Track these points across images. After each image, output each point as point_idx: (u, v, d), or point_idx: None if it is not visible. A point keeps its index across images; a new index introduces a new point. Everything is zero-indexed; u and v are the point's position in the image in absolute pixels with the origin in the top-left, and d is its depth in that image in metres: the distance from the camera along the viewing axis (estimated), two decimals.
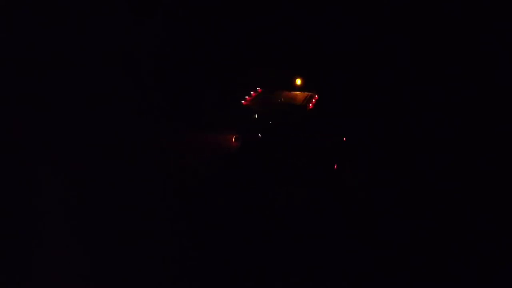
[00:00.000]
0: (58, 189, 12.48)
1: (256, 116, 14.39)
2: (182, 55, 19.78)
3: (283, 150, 13.91)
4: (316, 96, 14.87)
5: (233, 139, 14.68)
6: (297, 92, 15.28)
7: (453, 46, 17.71)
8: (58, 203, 11.91)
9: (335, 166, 13.61)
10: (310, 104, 14.39)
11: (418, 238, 11.17)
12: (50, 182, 12.80)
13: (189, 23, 20.56)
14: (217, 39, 19.79)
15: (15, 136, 14.90)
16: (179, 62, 19.55)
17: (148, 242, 10.66)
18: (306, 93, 15.14)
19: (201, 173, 13.90)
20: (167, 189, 13.03)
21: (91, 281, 9.69)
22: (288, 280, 9.77)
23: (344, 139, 14.65)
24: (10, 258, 10.20)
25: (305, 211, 12.11)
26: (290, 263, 10.21)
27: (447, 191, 13.14)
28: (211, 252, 10.59)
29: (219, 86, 17.56)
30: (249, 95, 15.04)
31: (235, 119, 14.99)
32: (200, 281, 9.70)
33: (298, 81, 15.28)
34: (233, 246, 10.78)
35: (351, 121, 15.39)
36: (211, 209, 12.31)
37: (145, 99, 17.75)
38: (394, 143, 15.00)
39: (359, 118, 15.61)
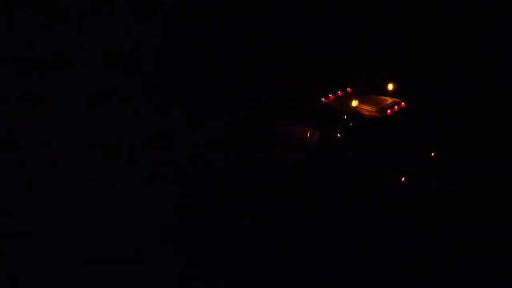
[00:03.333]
0: (59, 189, 12.48)
1: (340, 115, 14.43)
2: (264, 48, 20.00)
3: (358, 152, 13.71)
4: (403, 103, 14.36)
5: (308, 134, 14.55)
6: (385, 98, 15.12)
7: None
8: (59, 204, 11.91)
9: (403, 179, 13.06)
10: (389, 110, 13.95)
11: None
12: (50, 182, 12.80)
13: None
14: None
15: (15, 136, 14.89)
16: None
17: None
18: (394, 99, 14.93)
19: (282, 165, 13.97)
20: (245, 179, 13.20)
21: (91, 282, 9.69)
22: None
23: (433, 154, 13.88)
24: (9, 258, 10.20)
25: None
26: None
27: None
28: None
29: (307, 81, 17.70)
30: (334, 93, 15.06)
31: (314, 115, 14.99)
32: None
33: (390, 86, 15.26)
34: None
35: (441, 136, 14.46)
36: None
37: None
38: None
39: (451, 134, 14.63)
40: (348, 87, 15.46)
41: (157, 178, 13.14)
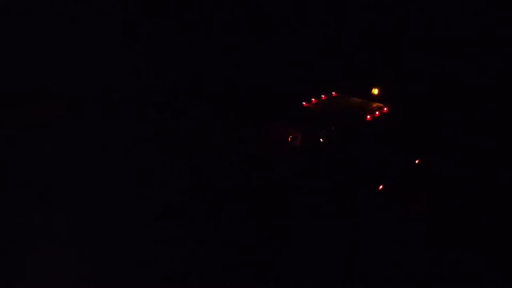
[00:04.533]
0: (61, 189, 12.64)
1: (321, 120, 14.08)
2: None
3: (337, 160, 13.18)
4: (385, 109, 13.80)
5: (289, 139, 14.20)
6: (369, 102, 14.70)
7: None
8: (60, 204, 12.08)
9: (380, 187, 12.55)
10: (369, 116, 13.33)
11: None
12: (50, 182, 12.96)
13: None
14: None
15: (14, 136, 15.07)
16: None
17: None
18: (377, 104, 14.06)
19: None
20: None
21: (93, 282, 9.87)
22: None
23: (417, 161, 13.35)
24: (10, 258, 10.38)
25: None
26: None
27: None
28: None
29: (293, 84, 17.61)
30: (318, 97, 14.52)
31: (297, 119, 14.47)
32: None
33: (375, 91, 14.88)
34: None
35: (428, 142, 14.10)
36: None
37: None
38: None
39: (438, 140, 14.35)
40: (334, 91, 15.13)
41: (149, 179, 13.28)
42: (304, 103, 14.09)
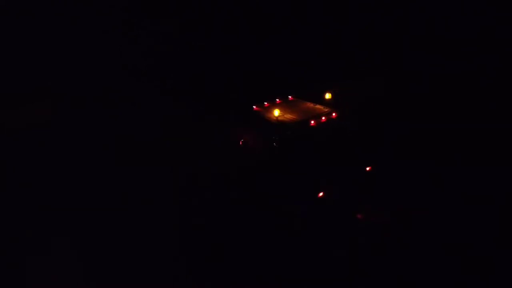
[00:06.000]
0: (68, 188, 12.67)
1: (271, 124, 13.79)
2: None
3: (283, 163, 12.68)
4: (334, 114, 13.40)
5: (240, 142, 13.76)
6: (319, 107, 14.49)
7: None
8: (66, 203, 12.12)
9: (321, 194, 12.13)
10: (313, 121, 12.80)
11: None
12: (50, 182, 12.99)
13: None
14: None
15: (15, 136, 15.09)
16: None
17: None
18: (328, 109, 14.25)
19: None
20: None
21: (93, 282, 9.90)
22: None
23: (368, 169, 12.89)
24: (10, 258, 10.42)
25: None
26: None
27: None
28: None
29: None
30: (272, 101, 14.47)
31: (248, 123, 13.97)
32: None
33: (327, 96, 14.64)
34: None
35: (378, 149, 13.74)
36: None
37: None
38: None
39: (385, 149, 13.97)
40: (290, 95, 14.79)
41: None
42: (254, 106, 13.87)
